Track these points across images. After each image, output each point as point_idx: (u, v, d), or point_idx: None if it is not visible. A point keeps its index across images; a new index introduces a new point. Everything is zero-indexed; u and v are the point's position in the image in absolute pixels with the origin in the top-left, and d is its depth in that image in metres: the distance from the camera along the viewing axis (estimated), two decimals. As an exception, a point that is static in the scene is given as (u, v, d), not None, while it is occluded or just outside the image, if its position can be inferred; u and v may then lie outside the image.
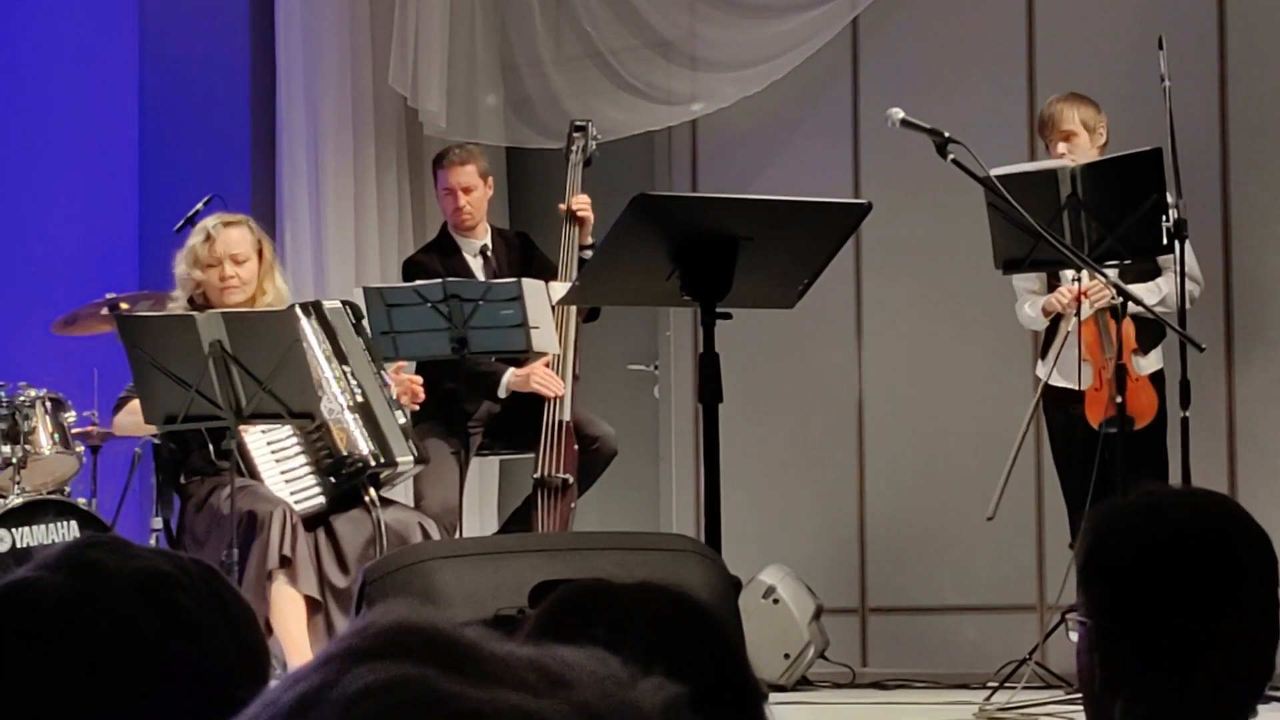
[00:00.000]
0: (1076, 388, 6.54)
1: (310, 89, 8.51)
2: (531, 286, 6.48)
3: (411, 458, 6.41)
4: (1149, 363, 6.69)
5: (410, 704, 0.87)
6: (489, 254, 7.14)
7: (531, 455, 6.94)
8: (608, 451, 7.01)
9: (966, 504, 7.37)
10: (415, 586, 3.47)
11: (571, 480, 6.86)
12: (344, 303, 6.59)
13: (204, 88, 8.65)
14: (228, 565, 5.74)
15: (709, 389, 4.62)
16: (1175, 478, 6.18)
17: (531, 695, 0.88)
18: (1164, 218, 5.97)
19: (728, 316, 4.69)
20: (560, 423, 6.89)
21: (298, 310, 6.31)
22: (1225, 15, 7.36)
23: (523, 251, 7.23)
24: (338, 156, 8.51)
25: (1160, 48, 6.40)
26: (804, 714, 6.57)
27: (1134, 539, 2.08)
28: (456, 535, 6.69)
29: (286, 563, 5.99)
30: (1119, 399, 6.06)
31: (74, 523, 6.76)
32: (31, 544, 6.66)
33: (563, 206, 7.12)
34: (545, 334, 6.53)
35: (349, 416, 6.35)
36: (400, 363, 6.59)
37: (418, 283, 6.62)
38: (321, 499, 6.26)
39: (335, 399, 6.34)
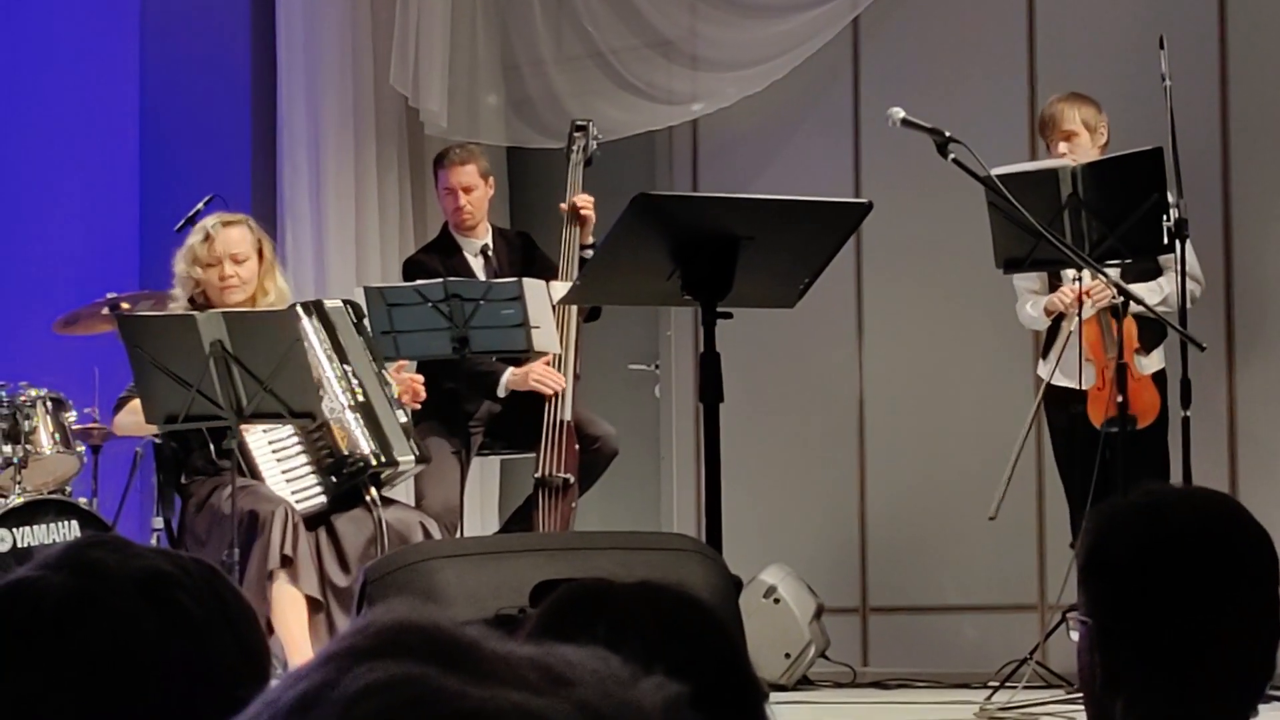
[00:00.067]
0: (1079, 387, 6.54)
1: (311, 88, 8.52)
2: (532, 286, 6.48)
3: (412, 457, 6.41)
4: (1151, 362, 6.69)
5: (411, 703, 0.87)
6: (490, 253, 7.14)
7: (532, 455, 6.94)
8: (609, 451, 7.01)
9: (967, 503, 7.37)
10: (416, 586, 3.47)
11: (572, 480, 6.86)
12: (345, 302, 6.59)
13: (205, 87, 8.65)
14: (229, 565, 5.74)
15: (710, 388, 4.62)
16: (1176, 477, 6.18)
17: (532, 694, 0.88)
18: (1165, 217, 5.97)
19: (728, 316, 4.68)
20: (561, 422, 6.89)
21: (299, 309, 6.31)
22: (1226, 15, 7.36)
23: (524, 251, 7.23)
24: (339, 156, 8.52)
25: (1161, 47, 6.40)
26: (805, 713, 6.57)
27: (1135, 538, 2.08)
28: (457, 535, 6.69)
29: (288, 562, 5.98)
30: (1120, 398, 6.06)
31: (75, 522, 6.76)
32: (32, 544, 6.66)
33: (564, 205, 7.12)
34: (546, 333, 6.53)
35: (350, 416, 6.35)
36: (401, 362, 6.59)
37: (418, 282, 6.62)
38: (322, 498, 6.26)
39: (336, 398, 6.34)
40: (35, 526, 6.71)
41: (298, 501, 6.18)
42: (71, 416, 7.02)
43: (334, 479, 6.28)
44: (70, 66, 8.79)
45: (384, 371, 6.48)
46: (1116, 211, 5.99)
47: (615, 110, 8.24)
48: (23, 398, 6.91)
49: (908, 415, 7.86)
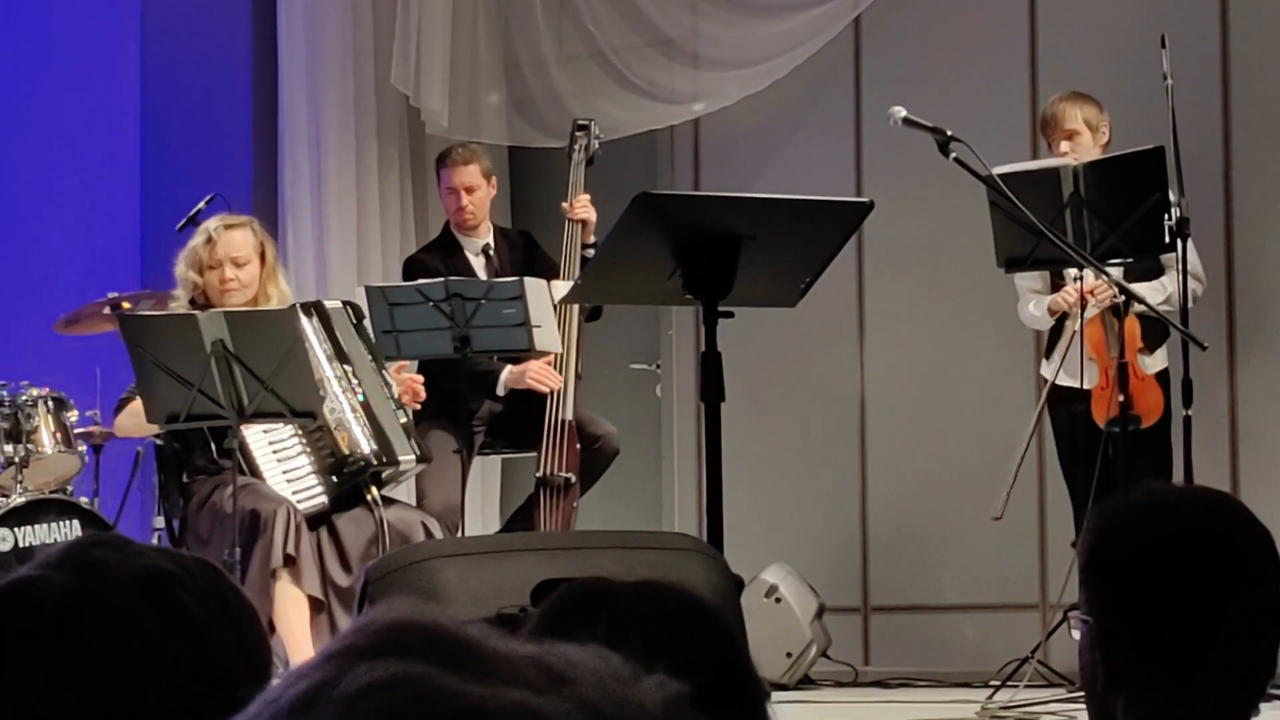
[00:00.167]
0: (1082, 387, 6.54)
1: (312, 88, 8.52)
2: (533, 285, 6.48)
3: (413, 456, 6.41)
4: (1154, 361, 6.69)
5: (412, 701, 0.87)
6: (491, 253, 7.15)
7: (534, 454, 6.94)
8: (610, 450, 7.01)
9: (968, 503, 7.37)
10: (418, 585, 3.47)
11: (574, 479, 6.86)
12: (345, 302, 6.59)
13: (206, 87, 8.65)
14: (230, 564, 5.74)
15: (711, 388, 4.62)
16: (1178, 476, 6.18)
17: (533, 692, 0.88)
18: (1166, 216, 5.97)
19: (730, 315, 4.68)
20: (562, 422, 6.90)
21: (299, 310, 6.31)
22: (1227, 13, 7.36)
23: (525, 250, 7.23)
24: (340, 155, 8.52)
25: (1163, 46, 6.40)
26: (806, 713, 6.57)
27: (1136, 537, 2.08)
28: (459, 534, 6.69)
29: (290, 562, 5.99)
30: (1121, 397, 6.06)
31: (76, 522, 6.76)
32: (34, 543, 6.66)
33: (565, 205, 7.13)
34: (547, 333, 6.53)
35: (350, 416, 6.35)
36: (402, 362, 6.59)
37: (420, 282, 6.62)
38: (324, 498, 6.27)
39: (337, 398, 6.34)
40: (36, 526, 6.71)
41: (299, 501, 6.18)
42: (73, 416, 7.02)
43: (335, 479, 6.29)
44: (71, 66, 8.79)
45: (384, 371, 6.48)
46: (1118, 210, 5.98)
47: (617, 109, 8.24)
48: (24, 397, 6.91)
49: (909, 414, 7.86)
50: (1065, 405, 6.69)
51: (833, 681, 7.56)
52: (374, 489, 6.29)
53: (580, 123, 7.33)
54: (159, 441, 6.36)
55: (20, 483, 6.80)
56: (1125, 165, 6.09)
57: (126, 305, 6.92)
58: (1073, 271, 6.46)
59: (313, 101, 8.51)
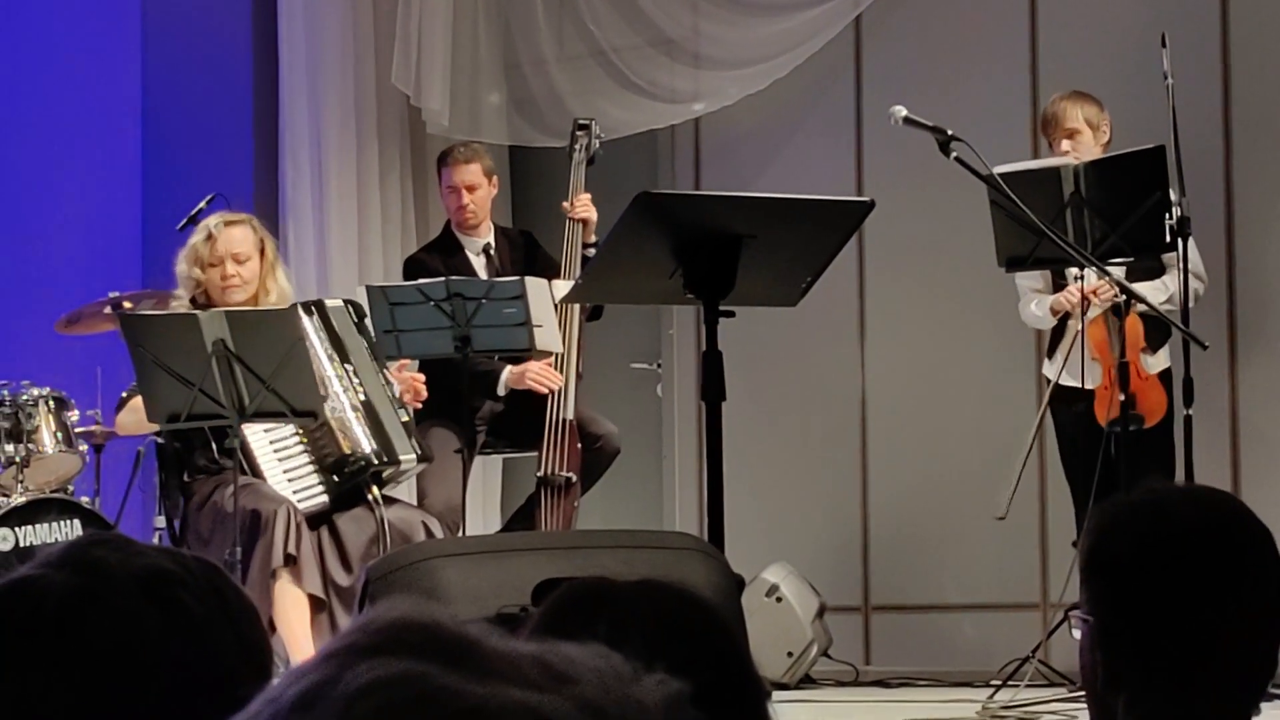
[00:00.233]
0: (1085, 387, 6.54)
1: (313, 87, 8.52)
2: (534, 285, 6.48)
3: (414, 456, 6.41)
4: (1158, 361, 6.68)
5: (413, 700, 0.87)
6: (492, 252, 7.15)
7: (535, 454, 6.94)
8: (611, 450, 7.01)
9: (969, 502, 7.37)
10: (418, 585, 3.46)
11: (575, 479, 6.86)
12: (346, 301, 6.59)
13: (207, 86, 8.65)
14: (231, 563, 5.74)
15: (712, 387, 4.62)
16: (1179, 475, 6.18)
17: (534, 691, 0.88)
18: (1167, 215, 5.97)
19: (730, 315, 4.68)
20: (563, 421, 6.90)
21: (300, 308, 6.31)
22: (1228, 12, 7.36)
23: (526, 250, 7.23)
24: (340, 155, 8.52)
25: (1163, 45, 6.40)
26: (807, 712, 6.57)
27: (1137, 536, 2.08)
28: (460, 534, 6.69)
29: (291, 561, 5.99)
30: (1122, 397, 6.05)
31: (77, 521, 6.76)
32: (34, 543, 6.66)
33: (565, 205, 7.13)
34: (548, 332, 6.53)
35: (351, 415, 6.35)
36: (403, 361, 6.59)
37: (421, 281, 6.62)
38: (324, 497, 6.27)
39: (338, 397, 6.34)
40: (37, 525, 6.71)
41: (299, 501, 6.18)
42: (74, 415, 7.02)
43: (335, 478, 6.29)
44: (72, 66, 8.79)
45: (385, 370, 6.48)
46: (1119, 210, 5.98)
47: (617, 109, 8.24)
48: (25, 397, 6.91)
49: (910, 414, 7.86)
50: (1067, 405, 6.69)
51: (834, 681, 7.56)
52: (375, 488, 6.29)
53: (581, 122, 7.33)
54: (160, 441, 6.36)
55: (21, 482, 6.80)
56: (1126, 164, 6.09)
57: (128, 305, 6.92)
58: (1074, 271, 6.46)
59: (313, 101, 8.51)
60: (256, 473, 6.24)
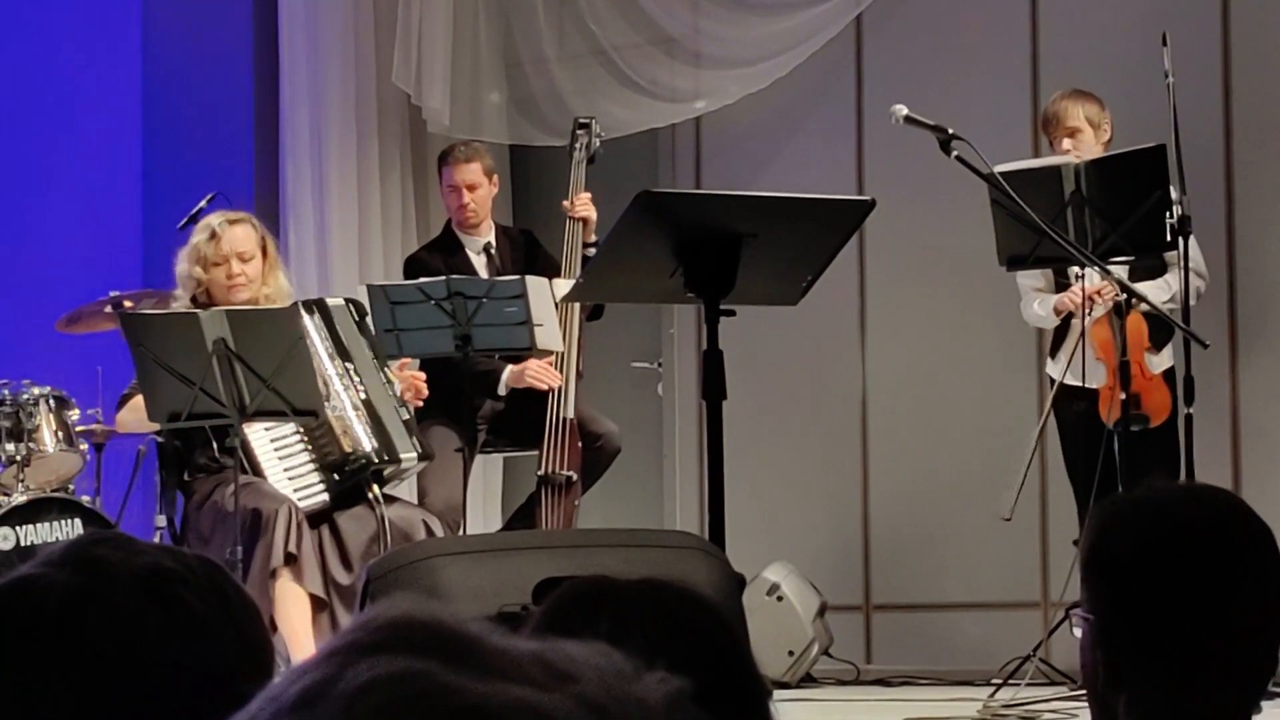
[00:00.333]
0: (1089, 386, 6.54)
1: (314, 86, 8.52)
2: (535, 284, 6.49)
3: (415, 454, 6.41)
4: (1161, 360, 6.68)
5: (414, 698, 0.87)
6: (492, 251, 7.15)
7: (535, 453, 6.94)
8: (611, 449, 7.01)
9: (970, 501, 7.37)
10: (419, 583, 3.47)
11: (575, 477, 6.86)
12: (347, 300, 6.59)
13: (207, 85, 8.65)
14: (232, 562, 5.74)
15: (713, 386, 4.62)
16: (1180, 473, 6.18)
17: (535, 689, 0.88)
18: (1168, 214, 5.96)
19: (731, 314, 4.68)
20: (564, 420, 6.90)
21: (301, 308, 6.31)
22: (1229, 11, 7.36)
23: (527, 249, 7.23)
24: (341, 154, 8.52)
25: (1164, 44, 6.40)
26: (808, 711, 6.57)
27: (1138, 534, 2.08)
28: (460, 532, 6.69)
29: (291, 560, 5.99)
30: (1123, 396, 6.05)
31: (78, 520, 6.76)
32: (35, 542, 6.66)
33: (566, 204, 7.13)
34: (549, 331, 6.53)
35: (352, 414, 6.35)
36: (404, 360, 6.59)
37: (421, 280, 6.62)
38: (325, 496, 6.27)
39: (338, 395, 6.34)
40: (38, 524, 6.71)
41: (300, 499, 6.18)
42: (74, 415, 7.02)
43: (336, 477, 6.29)
44: (74, 64, 8.80)
45: (386, 369, 6.48)
46: (1120, 208, 5.98)
47: (618, 108, 8.24)
48: (26, 396, 6.91)
49: (910, 413, 7.85)
50: (1069, 403, 6.69)
51: (835, 680, 7.56)
52: (375, 487, 6.29)
53: (581, 121, 7.33)
54: (160, 440, 6.36)
55: (22, 481, 6.80)
56: (1127, 163, 6.09)
57: (128, 304, 6.92)
58: (1075, 269, 6.46)
59: (314, 100, 8.51)
60: (257, 471, 6.24)
